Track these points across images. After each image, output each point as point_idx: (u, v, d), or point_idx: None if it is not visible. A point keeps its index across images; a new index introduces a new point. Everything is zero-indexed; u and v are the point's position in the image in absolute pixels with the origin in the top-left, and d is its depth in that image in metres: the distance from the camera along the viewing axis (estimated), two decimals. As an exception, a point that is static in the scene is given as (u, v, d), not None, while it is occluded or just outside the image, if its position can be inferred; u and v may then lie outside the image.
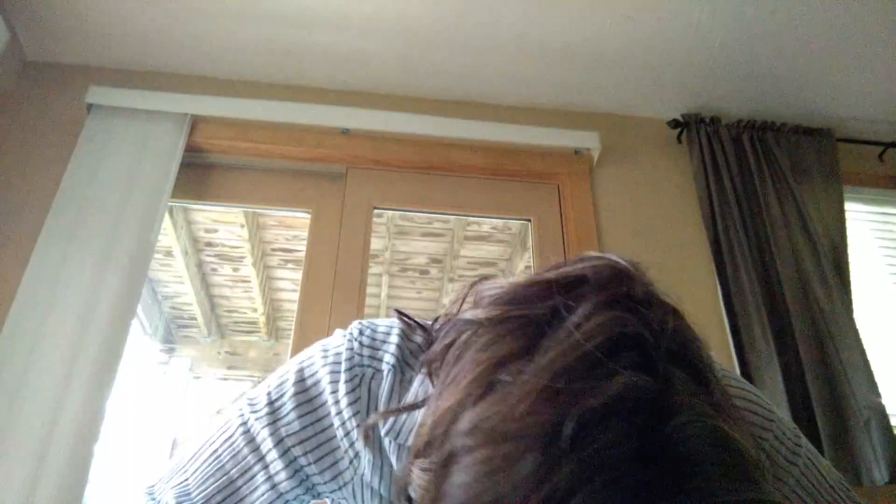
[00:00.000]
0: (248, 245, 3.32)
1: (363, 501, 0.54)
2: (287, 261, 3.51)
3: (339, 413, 0.52)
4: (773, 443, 0.55)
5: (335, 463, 0.53)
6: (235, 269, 3.58)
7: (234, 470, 0.54)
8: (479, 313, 0.42)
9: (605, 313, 0.36)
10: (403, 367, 0.53)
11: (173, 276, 3.57)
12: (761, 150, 1.96)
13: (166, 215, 1.72)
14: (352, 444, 0.52)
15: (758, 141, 1.98)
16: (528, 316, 0.39)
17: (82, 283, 1.47)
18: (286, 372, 0.56)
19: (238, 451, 0.55)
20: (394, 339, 0.54)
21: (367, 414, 0.52)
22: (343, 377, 0.53)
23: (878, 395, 1.58)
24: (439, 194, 1.86)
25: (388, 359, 0.53)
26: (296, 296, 1.75)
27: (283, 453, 0.53)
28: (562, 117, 2.03)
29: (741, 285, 1.71)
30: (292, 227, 3.24)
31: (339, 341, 0.56)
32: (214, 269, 3.61)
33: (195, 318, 4.02)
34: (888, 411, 1.58)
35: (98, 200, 1.59)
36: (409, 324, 0.55)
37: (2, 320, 1.42)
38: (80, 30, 1.78)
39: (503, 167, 1.87)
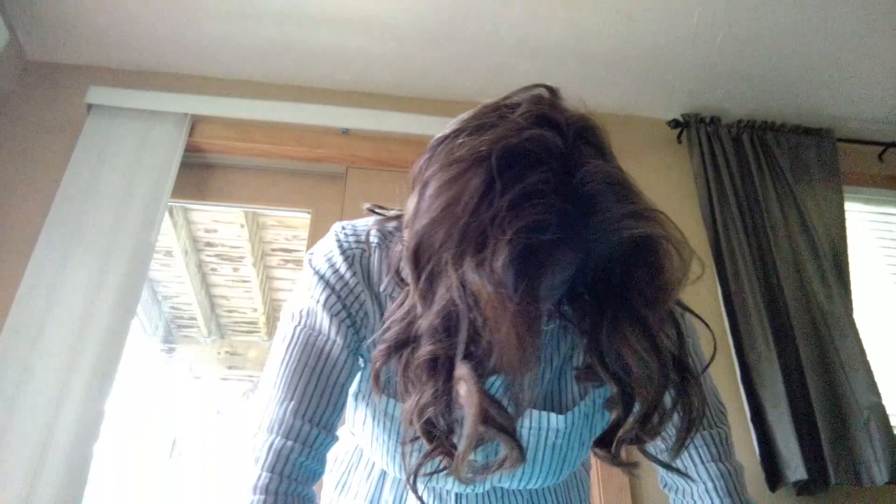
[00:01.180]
0: (248, 245, 3.32)
1: (369, 352, 0.66)
2: (287, 261, 3.51)
3: (345, 285, 0.66)
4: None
5: (354, 323, 0.66)
6: (235, 269, 3.58)
7: (311, 358, 0.65)
8: (446, 129, 0.57)
9: (532, 108, 0.52)
10: (385, 242, 0.67)
11: (173, 276, 3.57)
12: (761, 150, 1.96)
13: (166, 215, 1.72)
14: (361, 305, 0.66)
15: (758, 141, 1.98)
16: (481, 123, 0.54)
17: (82, 283, 1.47)
18: (304, 277, 0.69)
19: (305, 342, 0.66)
20: (371, 224, 0.69)
21: (366, 282, 0.66)
22: (339, 259, 0.66)
23: (878, 395, 1.58)
24: (439, 194, 1.86)
25: (371, 239, 0.67)
26: (296, 296, 1.75)
27: (331, 317, 0.65)
28: (562, 117, 2.03)
29: (741, 285, 1.71)
30: (292, 227, 3.24)
31: (328, 240, 0.69)
32: (214, 269, 3.60)
33: (195, 318, 4.02)
34: (888, 411, 1.58)
35: (98, 200, 1.59)
36: (382, 214, 0.69)
37: (2, 320, 1.42)
38: (80, 30, 1.78)
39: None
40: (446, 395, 0.52)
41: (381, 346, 0.56)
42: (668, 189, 1.95)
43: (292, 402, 0.63)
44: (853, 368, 1.61)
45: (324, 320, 0.65)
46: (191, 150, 1.76)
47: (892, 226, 2.11)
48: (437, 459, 0.55)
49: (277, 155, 1.81)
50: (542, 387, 0.67)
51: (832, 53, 1.87)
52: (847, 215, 1.91)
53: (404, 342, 0.55)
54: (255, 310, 3.97)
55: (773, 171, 1.93)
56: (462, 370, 0.50)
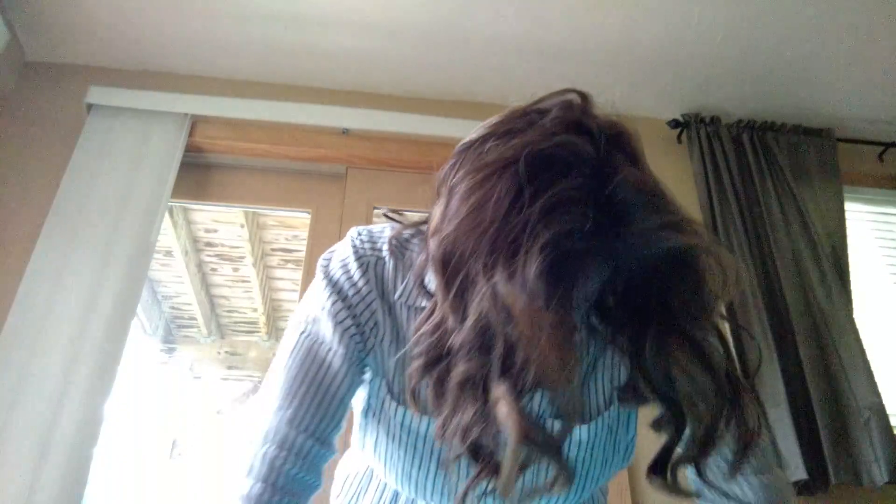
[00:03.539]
0: (248, 245, 3.32)
1: (382, 364, 0.64)
2: (287, 261, 3.51)
3: (357, 292, 0.64)
4: None
5: (362, 333, 0.64)
6: (235, 269, 3.58)
7: (312, 366, 0.63)
8: (473, 134, 0.56)
9: (563, 114, 0.51)
10: (401, 251, 0.65)
11: (173, 276, 3.57)
12: (761, 150, 1.96)
13: (166, 215, 1.72)
14: (372, 314, 0.64)
15: (758, 141, 1.98)
16: (510, 128, 0.52)
17: (82, 283, 1.47)
18: (315, 284, 0.67)
19: (307, 350, 0.64)
20: (387, 232, 0.67)
21: (378, 290, 0.64)
22: (353, 265, 0.65)
23: (878, 395, 1.58)
24: (439, 194, 1.86)
25: (387, 247, 0.65)
26: (296, 296, 1.76)
27: (335, 326, 0.63)
28: (562, 117, 2.03)
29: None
30: (292, 227, 3.24)
31: (344, 244, 0.67)
32: (214, 269, 3.60)
33: (195, 318, 4.02)
34: (888, 411, 1.58)
35: (98, 200, 1.59)
36: (399, 221, 0.68)
37: (2, 320, 1.42)
38: (80, 30, 1.78)
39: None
40: (488, 415, 0.49)
41: (416, 363, 0.54)
42: (668, 189, 1.95)
43: (289, 412, 0.61)
44: (853, 368, 1.61)
45: (330, 330, 0.63)
46: (191, 150, 1.76)
47: (892, 226, 2.11)
48: (485, 481, 0.51)
49: (277, 155, 1.81)
50: None
51: (832, 53, 1.87)
52: (847, 215, 1.91)
53: (438, 358, 0.52)
54: (255, 310, 3.98)
55: (773, 171, 1.93)
56: (499, 390, 0.47)
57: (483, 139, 0.54)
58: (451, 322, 0.50)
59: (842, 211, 1.91)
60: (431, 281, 0.55)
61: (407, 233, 0.66)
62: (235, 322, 4.19)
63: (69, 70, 1.86)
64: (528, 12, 1.73)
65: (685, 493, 0.56)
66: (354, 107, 1.86)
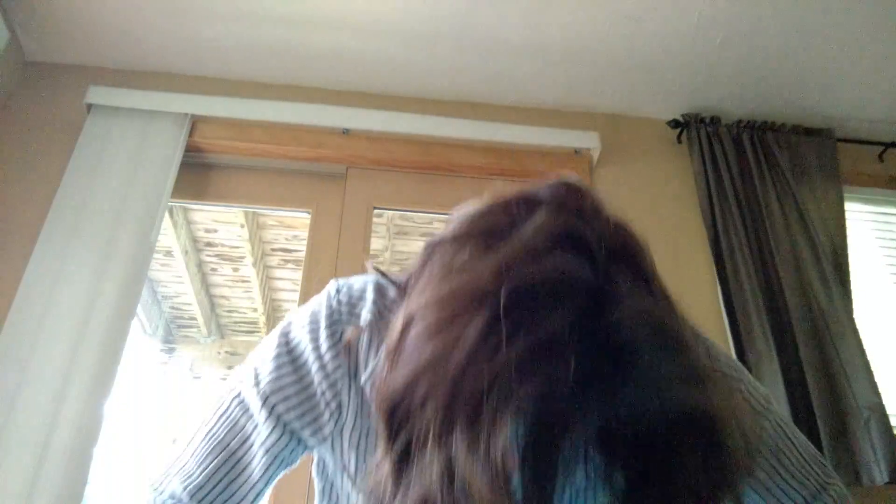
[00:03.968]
0: (248, 245, 3.32)
1: (342, 455, 0.54)
2: (287, 261, 3.51)
3: (321, 367, 0.54)
4: (747, 388, 0.54)
5: (316, 418, 0.54)
6: (235, 269, 3.58)
7: (234, 442, 0.55)
8: (447, 231, 0.47)
9: (554, 219, 0.41)
10: (379, 321, 0.54)
11: (173, 276, 3.57)
12: (761, 150, 1.96)
13: (166, 215, 1.72)
14: (335, 395, 0.53)
15: (758, 141, 1.98)
16: (489, 227, 0.44)
17: (82, 283, 1.47)
18: (269, 339, 0.59)
19: (235, 422, 0.56)
20: (369, 295, 0.56)
21: (349, 365, 0.53)
22: (324, 333, 0.55)
23: (878, 395, 1.58)
24: (439, 194, 1.86)
25: (365, 314, 0.54)
26: (296, 296, 1.76)
27: (270, 411, 0.54)
28: (562, 117, 2.03)
29: (741, 285, 1.71)
30: (292, 227, 3.24)
31: (318, 300, 0.58)
32: (214, 269, 3.60)
33: (195, 318, 4.02)
34: (888, 411, 1.58)
35: (98, 200, 1.59)
36: (382, 281, 0.57)
37: (2, 320, 1.42)
38: (80, 30, 1.78)
39: (503, 167, 1.87)
40: None
41: None
42: (668, 189, 1.95)
43: (196, 481, 0.55)
44: (853, 368, 1.61)
45: (264, 416, 0.54)
46: (191, 150, 1.76)
47: (892, 226, 2.11)
48: None
49: (277, 155, 1.81)
50: None
51: (832, 53, 1.87)
52: (847, 215, 1.91)
53: None
54: (255, 310, 3.98)
55: (773, 171, 1.93)
56: None
57: (458, 239, 0.45)
58: (389, 488, 0.39)
59: (842, 211, 1.91)
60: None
61: (392, 294, 0.56)
62: (235, 322, 4.19)
63: (69, 70, 1.86)
64: (528, 12, 1.73)
65: None
66: (354, 107, 1.86)
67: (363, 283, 0.58)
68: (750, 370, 1.62)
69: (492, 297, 0.36)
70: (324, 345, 0.54)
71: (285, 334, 0.58)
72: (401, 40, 1.82)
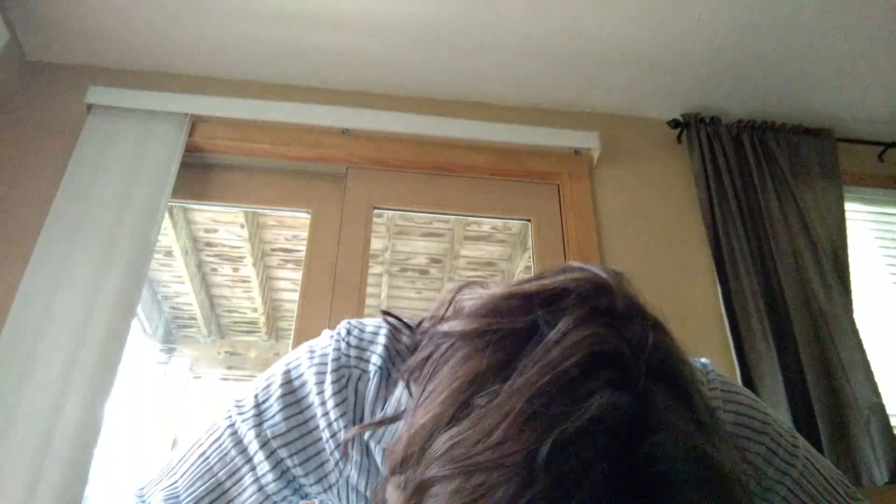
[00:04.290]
0: (248, 245, 3.32)
1: (349, 503, 0.53)
2: (287, 261, 3.51)
3: (325, 414, 0.52)
4: (770, 445, 0.55)
5: (321, 465, 0.52)
6: (235, 269, 3.58)
7: (223, 472, 0.54)
8: (457, 325, 0.41)
9: (583, 329, 0.35)
10: (390, 368, 0.52)
11: (173, 276, 3.57)
12: (761, 150, 1.96)
13: (166, 215, 1.72)
14: (339, 446, 0.51)
15: (758, 141, 1.98)
16: (506, 330, 0.38)
17: (82, 283, 1.47)
18: (273, 373, 0.56)
19: (226, 453, 0.54)
20: (381, 339, 0.53)
21: (354, 414, 0.51)
22: (329, 378, 0.52)
23: (878, 395, 1.58)
24: (439, 194, 1.86)
25: (375, 360, 0.52)
26: (296, 296, 1.76)
27: (270, 454, 0.53)
28: (562, 117, 2.03)
29: (741, 285, 1.71)
30: (292, 227, 3.24)
31: (326, 342, 0.55)
32: (214, 269, 3.60)
33: (195, 318, 4.02)
34: (888, 411, 1.58)
35: (98, 200, 1.59)
36: (396, 325, 0.54)
37: (2, 320, 1.42)
38: (80, 30, 1.78)
39: (503, 167, 1.87)
40: None
41: None
42: (668, 189, 1.95)
43: (187, 496, 0.54)
44: (853, 368, 1.61)
45: (267, 454, 0.53)
46: (191, 150, 1.76)
47: (892, 226, 2.11)
48: None
49: (277, 155, 1.81)
50: None
51: (832, 53, 1.87)
52: (847, 215, 1.91)
53: None
54: (255, 310, 3.98)
55: (773, 171, 1.93)
56: None
57: (470, 339, 0.40)
58: None
59: (842, 211, 1.91)
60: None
61: (402, 342, 0.53)
62: (235, 322, 4.19)
63: (69, 70, 1.86)
64: (528, 12, 1.73)
65: None
66: (354, 107, 1.86)
67: (376, 327, 0.55)
68: (750, 370, 1.62)
69: (522, 462, 0.31)
70: (328, 389, 0.52)
71: (290, 372, 0.55)
72: (401, 40, 1.82)
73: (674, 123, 2.01)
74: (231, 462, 0.54)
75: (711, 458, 0.33)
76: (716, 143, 1.94)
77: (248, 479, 0.53)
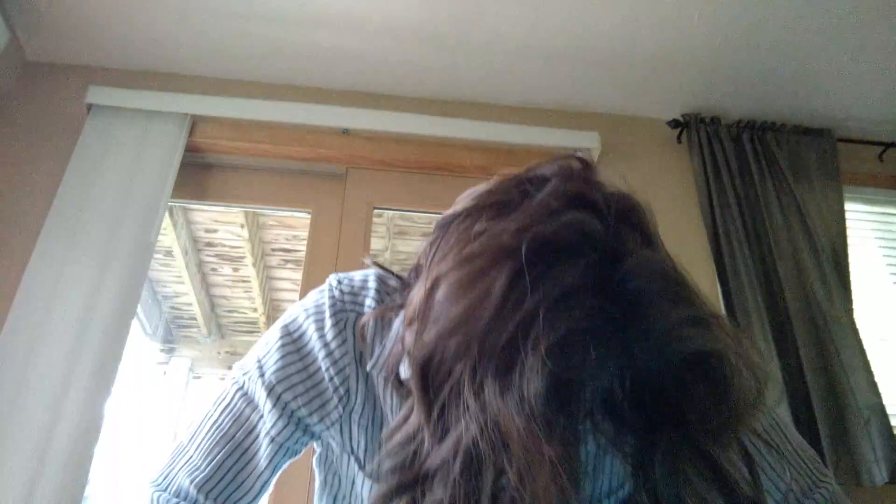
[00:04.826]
0: (248, 245, 3.32)
1: (350, 439, 0.56)
2: (287, 261, 3.51)
3: (329, 354, 0.55)
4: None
5: (324, 404, 0.56)
6: (235, 269, 3.58)
7: (239, 433, 0.57)
8: (459, 208, 0.49)
9: (565, 184, 0.45)
10: (384, 310, 0.56)
11: (173, 276, 3.57)
12: (761, 150, 1.96)
13: (166, 215, 1.72)
14: (344, 381, 0.55)
15: (758, 141, 1.98)
16: (503, 200, 0.46)
17: (82, 283, 1.47)
18: (270, 333, 0.60)
19: (240, 413, 0.57)
20: (371, 283, 0.58)
21: (355, 352, 0.55)
22: (329, 322, 0.56)
23: (878, 395, 1.58)
24: (439, 194, 1.86)
25: (369, 302, 0.56)
26: (296, 296, 1.76)
27: (276, 401, 0.56)
28: (562, 117, 2.03)
29: (741, 285, 1.71)
30: (292, 227, 3.24)
31: (317, 296, 0.59)
32: (214, 269, 3.60)
33: (195, 318, 4.02)
34: (888, 411, 1.58)
35: (98, 200, 1.59)
36: (382, 273, 0.59)
37: (2, 320, 1.42)
38: (80, 30, 1.78)
39: (503, 167, 1.87)
40: None
41: (382, 488, 0.44)
42: (668, 189, 1.95)
43: (203, 474, 0.56)
44: (853, 368, 1.61)
45: (273, 401, 0.56)
46: (191, 150, 1.76)
47: (892, 226, 2.11)
48: None
49: (277, 155, 1.81)
50: None
51: (832, 53, 1.87)
52: (847, 215, 1.91)
53: (411, 483, 0.42)
54: (255, 310, 3.98)
55: (773, 171, 1.93)
56: None
57: (469, 213, 0.47)
58: (427, 439, 0.41)
59: (842, 211, 1.91)
60: (406, 373, 0.46)
61: (392, 284, 0.58)
62: (235, 322, 4.19)
63: (69, 70, 1.86)
64: (528, 13, 1.73)
65: None
66: (354, 107, 1.86)
67: (364, 275, 0.60)
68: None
69: (514, 253, 0.39)
70: (329, 333, 0.55)
71: (287, 326, 0.58)
72: (401, 40, 1.82)
73: (674, 123, 2.01)
74: (246, 421, 0.57)
75: (676, 275, 0.42)
76: (716, 143, 1.94)
77: (263, 432, 0.56)
